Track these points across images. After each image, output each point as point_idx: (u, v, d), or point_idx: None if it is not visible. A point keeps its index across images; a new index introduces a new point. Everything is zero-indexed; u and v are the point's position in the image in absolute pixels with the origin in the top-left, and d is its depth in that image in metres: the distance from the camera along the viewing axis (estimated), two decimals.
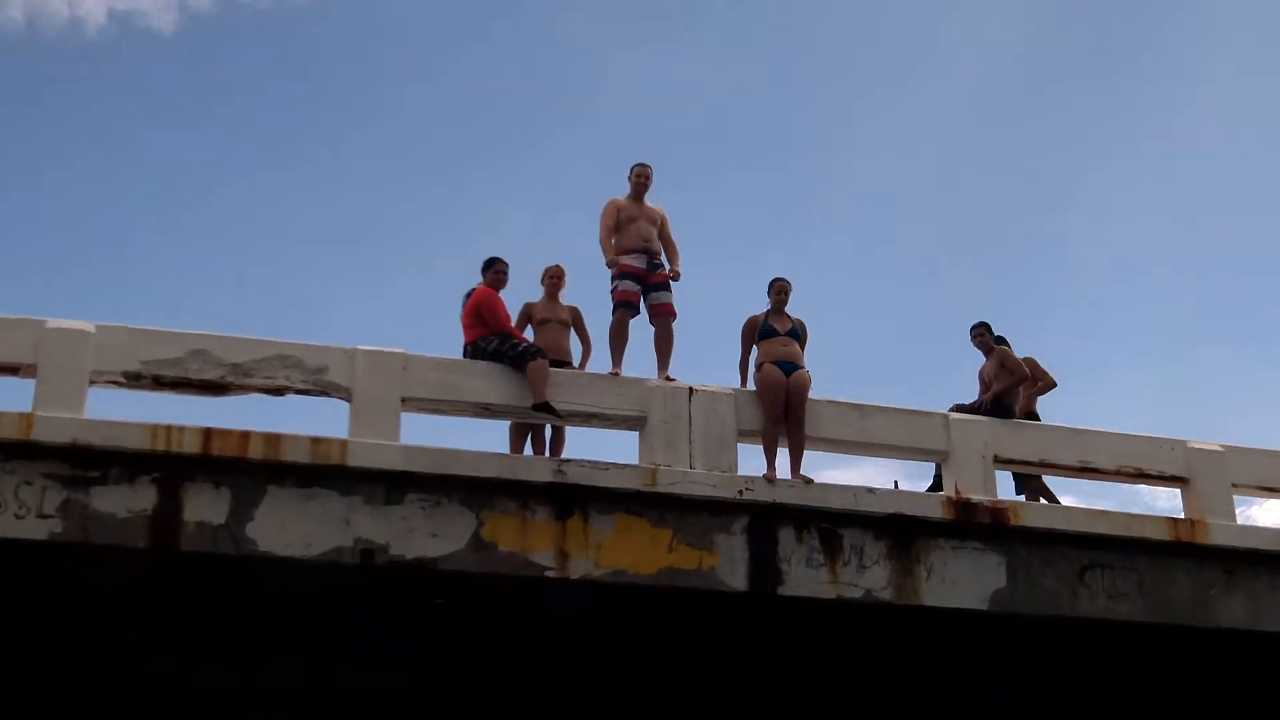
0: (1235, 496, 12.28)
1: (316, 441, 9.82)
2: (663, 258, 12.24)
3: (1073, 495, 13.65)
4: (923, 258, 36.65)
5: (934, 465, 12.17)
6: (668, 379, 11.41)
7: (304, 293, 33.52)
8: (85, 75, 32.42)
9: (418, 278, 34.86)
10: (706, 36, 36.99)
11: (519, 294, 11.99)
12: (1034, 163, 37.49)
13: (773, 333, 11.64)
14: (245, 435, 9.68)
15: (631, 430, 11.06)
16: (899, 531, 10.95)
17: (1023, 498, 12.38)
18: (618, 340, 11.85)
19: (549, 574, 10.07)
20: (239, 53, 34.58)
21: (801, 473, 11.06)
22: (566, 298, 12.20)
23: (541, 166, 34.44)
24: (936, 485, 12.04)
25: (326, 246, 35.50)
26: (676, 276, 12.22)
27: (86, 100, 32.14)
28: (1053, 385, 12.90)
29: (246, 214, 33.92)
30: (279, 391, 10.30)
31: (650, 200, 12.47)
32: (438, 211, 35.03)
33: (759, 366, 11.51)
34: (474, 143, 37.32)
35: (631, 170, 12.53)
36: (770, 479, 10.83)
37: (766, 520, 10.66)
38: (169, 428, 9.57)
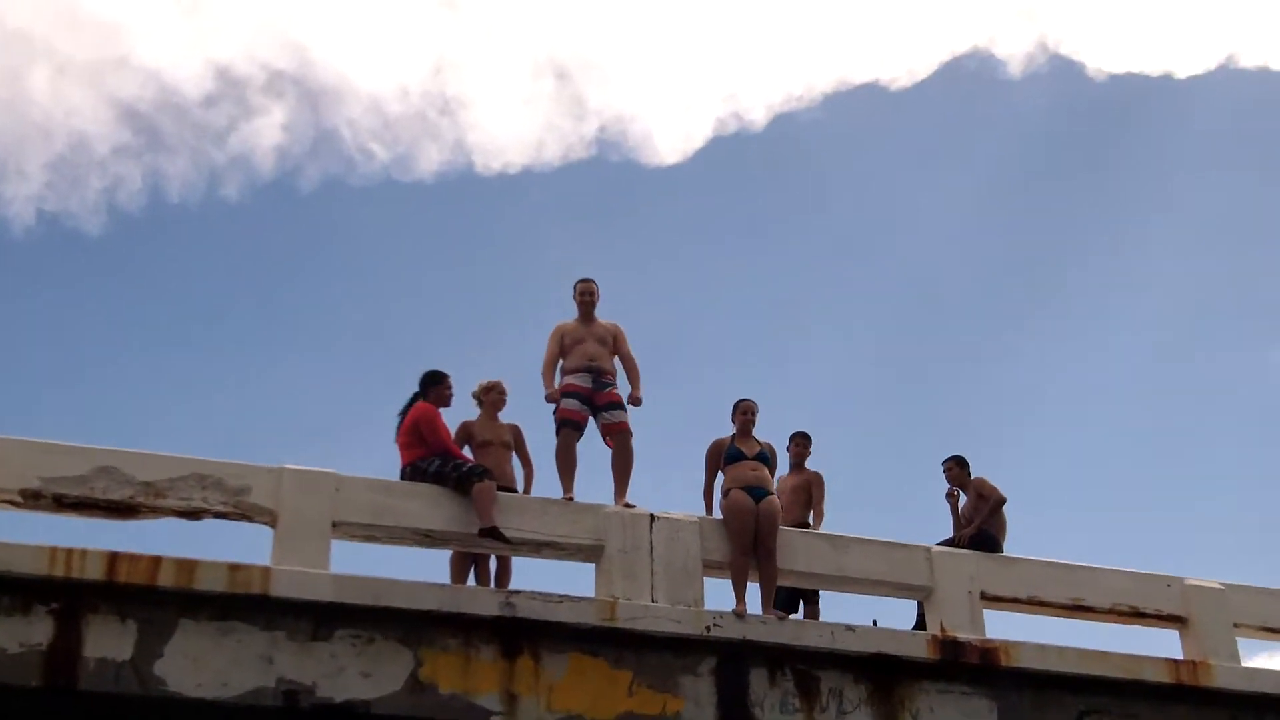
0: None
1: (235, 569, 8.90)
2: (616, 378, 11.30)
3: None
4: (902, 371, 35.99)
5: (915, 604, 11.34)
6: (626, 505, 10.49)
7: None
8: (10, 275, 32.32)
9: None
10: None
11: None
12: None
13: (740, 456, 10.78)
14: (155, 561, 8.77)
15: (587, 561, 10.15)
16: (881, 673, 10.08)
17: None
18: (565, 464, 10.84)
19: (495, 719, 9.12)
20: (167, 253, 34.30)
21: (774, 608, 10.15)
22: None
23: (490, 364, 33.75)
24: (920, 625, 11.16)
25: (265, 446, 34.57)
26: (637, 402, 11.26)
27: (10, 299, 32.04)
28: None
29: (176, 412, 33.33)
30: (195, 514, 9.37)
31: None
32: (378, 401, 34.06)
33: (725, 493, 10.63)
34: (420, 338, 36.53)
35: (574, 288, 11.57)
36: (740, 614, 9.93)
37: (736, 660, 9.77)
38: (69, 551, 8.63)
